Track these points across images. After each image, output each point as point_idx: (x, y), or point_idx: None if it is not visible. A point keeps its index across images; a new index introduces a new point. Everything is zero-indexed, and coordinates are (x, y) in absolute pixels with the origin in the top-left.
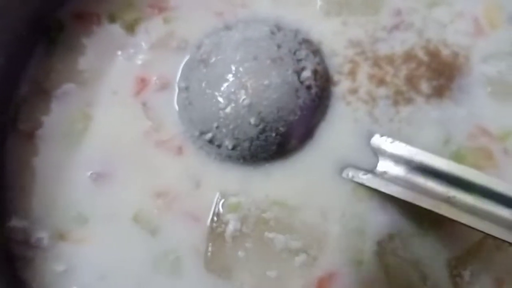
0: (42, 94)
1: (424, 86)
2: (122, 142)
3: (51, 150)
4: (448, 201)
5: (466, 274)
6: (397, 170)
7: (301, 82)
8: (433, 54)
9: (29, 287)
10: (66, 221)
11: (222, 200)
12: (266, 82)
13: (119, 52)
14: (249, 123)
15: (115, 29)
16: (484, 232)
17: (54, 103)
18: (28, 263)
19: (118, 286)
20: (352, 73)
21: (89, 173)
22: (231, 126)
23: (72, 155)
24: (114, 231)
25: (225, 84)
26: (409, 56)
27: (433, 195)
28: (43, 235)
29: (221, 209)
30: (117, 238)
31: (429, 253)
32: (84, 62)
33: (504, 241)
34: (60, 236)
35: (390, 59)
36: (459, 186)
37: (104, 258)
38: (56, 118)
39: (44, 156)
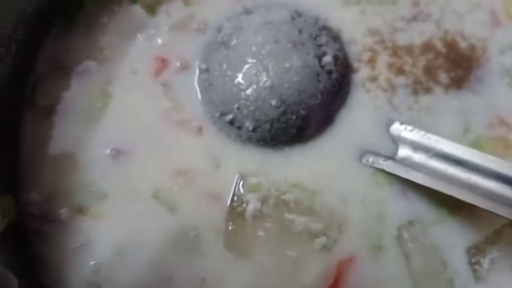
0: (61, 70)
1: (443, 77)
2: (141, 120)
3: (70, 126)
4: (470, 188)
5: (485, 262)
6: (417, 158)
7: (322, 67)
8: (451, 46)
9: (45, 262)
10: (85, 196)
11: (242, 181)
12: (287, 64)
13: (140, 32)
14: (270, 105)
15: (136, 10)
16: (506, 217)
17: (73, 79)
18: (45, 238)
19: (136, 262)
20: (372, 61)
21: (108, 150)
22: (252, 108)
23: (91, 131)
24: (133, 207)
25: (246, 66)
26: (427, 47)
27: (454, 182)
28: (60, 210)
29: (241, 189)
30: (136, 215)
31: (449, 240)
32: (104, 40)
33: None
34: (79, 211)
35: (408, 49)
36: (480, 173)
37: (122, 234)
38: (75, 94)
39: (63, 131)
